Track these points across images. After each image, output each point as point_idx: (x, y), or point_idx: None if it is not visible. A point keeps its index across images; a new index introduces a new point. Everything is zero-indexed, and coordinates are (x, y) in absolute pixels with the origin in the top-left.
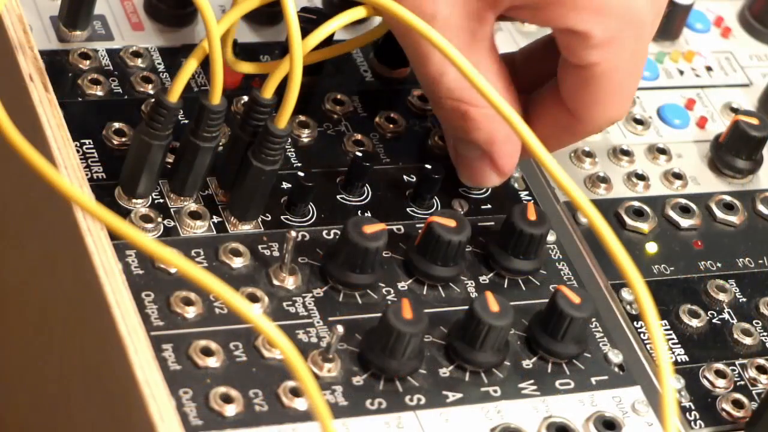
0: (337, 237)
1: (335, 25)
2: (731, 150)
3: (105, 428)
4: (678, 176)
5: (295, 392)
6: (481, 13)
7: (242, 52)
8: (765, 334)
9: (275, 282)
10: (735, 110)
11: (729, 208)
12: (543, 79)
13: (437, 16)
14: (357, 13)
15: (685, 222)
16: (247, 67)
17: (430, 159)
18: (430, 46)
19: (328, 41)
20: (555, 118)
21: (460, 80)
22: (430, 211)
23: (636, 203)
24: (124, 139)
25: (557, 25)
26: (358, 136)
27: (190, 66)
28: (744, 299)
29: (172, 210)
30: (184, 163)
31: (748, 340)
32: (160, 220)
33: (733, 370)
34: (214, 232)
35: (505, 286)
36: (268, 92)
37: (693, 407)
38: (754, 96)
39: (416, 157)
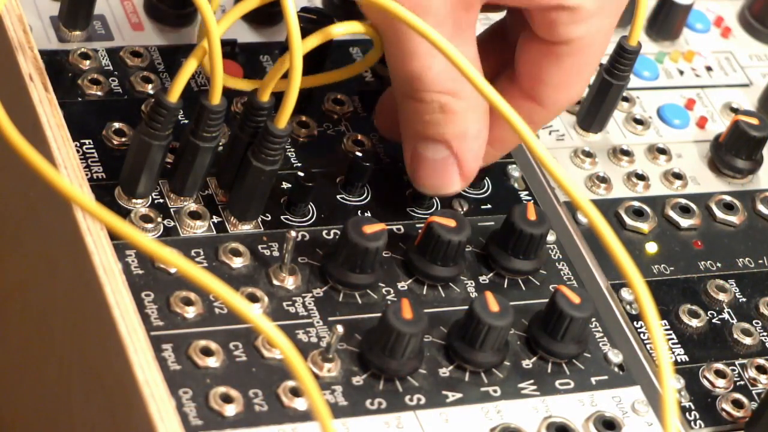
0: (337, 237)
1: (332, 33)
2: (731, 150)
3: (105, 428)
4: (678, 176)
5: (295, 392)
6: (469, 1)
7: (242, 52)
8: (765, 334)
9: (275, 282)
10: (735, 110)
11: (729, 208)
12: (491, 72)
13: (431, 9)
14: (354, 27)
15: (685, 222)
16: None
17: None
18: (416, 40)
19: (327, 47)
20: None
21: (445, 72)
22: (430, 211)
23: (636, 203)
24: (124, 139)
25: (548, 3)
26: (358, 136)
27: (190, 66)
28: (744, 299)
29: (172, 210)
30: (184, 163)
31: (748, 340)
32: (160, 220)
33: (733, 370)
34: (214, 232)
35: (505, 286)
36: (265, 95)
37: (693, 407)
38: (754, 96)
39: None
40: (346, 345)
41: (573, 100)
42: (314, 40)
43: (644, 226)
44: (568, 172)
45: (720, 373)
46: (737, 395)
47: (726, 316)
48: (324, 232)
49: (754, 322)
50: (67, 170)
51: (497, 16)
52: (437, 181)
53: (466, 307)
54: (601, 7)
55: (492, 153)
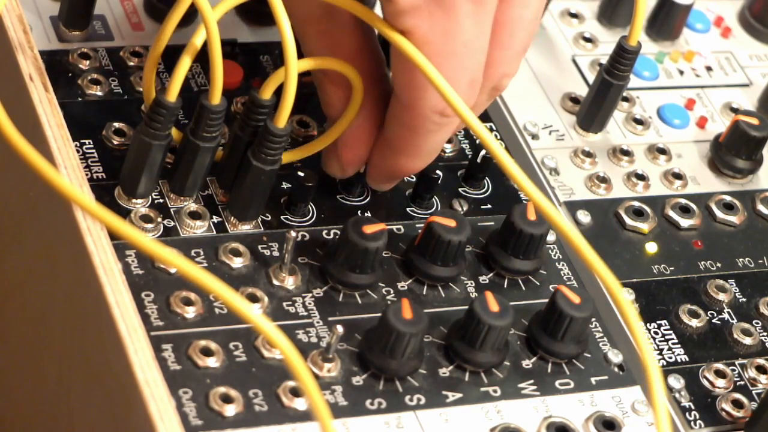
0: (337, 237)
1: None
2: (731, 150)
3: (105, 428)
4: (678, 176)
5: (295, 392)
6: None
7: (242, 53)
8: (765, 334)
9: (275, 282)
10: (735, 110)
11: (729, 208)
12: None
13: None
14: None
15: (685, 222)
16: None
17: None
18: None
19: None
20: (391, 109)
21: (316, 49)
22: (430, 211)
23: (636, 203)
24: (124, 139)
25: None
26: None
27: (185, 63)
28: (744, 299)
29: (172, 210)
30: (184, 163)
31: (748, 340)
32: (160, 220)
33: (733, 370)
34: (214, 232)
35: (505, 286)
36: (267, 93)
37: (693, 407)
38: (754, 96)
39: None
40: (346, 345)
41: (435, 107)
42: (306, 64)
43: (644, 226)
44: (569, 172)
45: (720, 373)
46: (737, 395)
47: (726, 316)
48: (324, 232)
49: (754, 322)
50: (67, 170)
51: None
52: (323, 158)
53: (466, 307)
54: (418, 6)
55: (406, 163)
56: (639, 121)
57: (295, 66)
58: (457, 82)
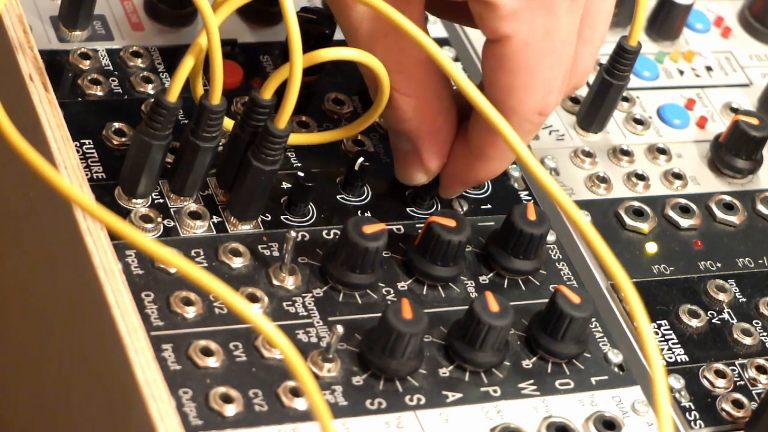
0: (337, 237)
1: (338, 54)
2: (731, 150)
3: (105, 428)
4: (678, 176)
5: (295, 392)
6: None
7: (242, 52)
8: (765, 334)
9: (275, 282)
10: (735, 110)
11: (729, 208)
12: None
13: None
14: (361, 57)
15: (685, 222)
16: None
17: None
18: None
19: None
20: (477, 117)
21: (388, 62)
22: (430, 211)
23: (636, 203)
24: (124, 139)
25: None
26: (358, 136)
27: (187, 64)
28: (744, 299)
29: (172, 210)
30: (184, 163)
31: (748, 340)
32: (159, 220)
33: (733, 370)
34: (214, 232)
35: (505, 286)
36: (268, 93)
37: (693, 407)
38: (754, 96)
39: None
40: (346, 345)
41: (534, 107)
42: (323, 55)
43: (644, 226)
44: (568, 172)
45: (720, 373)
46: (737, 395)
47: (726, 316)
48: (324, 232)
49: (754, 322)
50: (67, 170)
51: None
52: (402, 172)
53: (466, 307)
54: (521, 8)
55: (487, 168)
56: (639, 121)
57: (299, 66)
58: (555, 79)
